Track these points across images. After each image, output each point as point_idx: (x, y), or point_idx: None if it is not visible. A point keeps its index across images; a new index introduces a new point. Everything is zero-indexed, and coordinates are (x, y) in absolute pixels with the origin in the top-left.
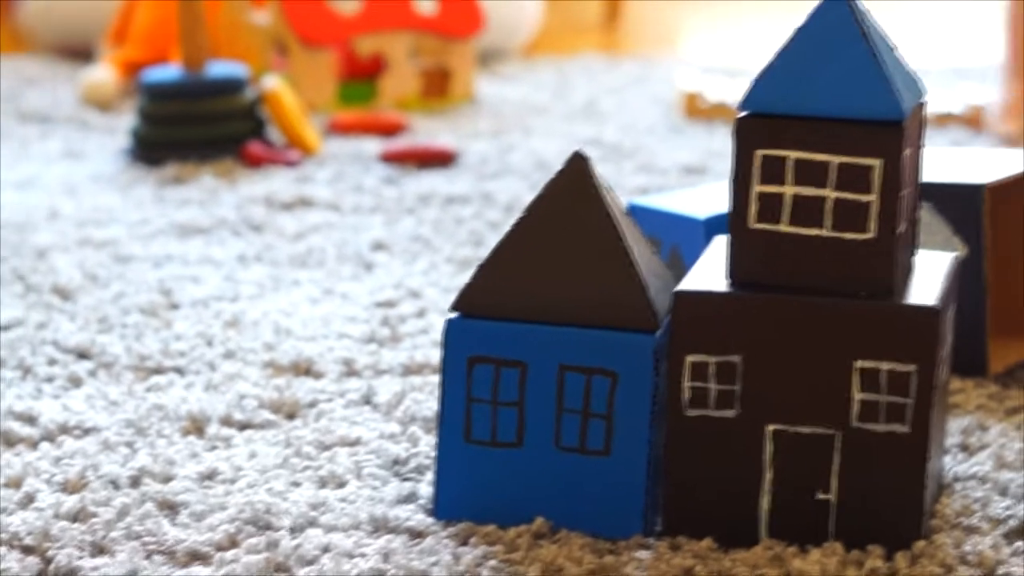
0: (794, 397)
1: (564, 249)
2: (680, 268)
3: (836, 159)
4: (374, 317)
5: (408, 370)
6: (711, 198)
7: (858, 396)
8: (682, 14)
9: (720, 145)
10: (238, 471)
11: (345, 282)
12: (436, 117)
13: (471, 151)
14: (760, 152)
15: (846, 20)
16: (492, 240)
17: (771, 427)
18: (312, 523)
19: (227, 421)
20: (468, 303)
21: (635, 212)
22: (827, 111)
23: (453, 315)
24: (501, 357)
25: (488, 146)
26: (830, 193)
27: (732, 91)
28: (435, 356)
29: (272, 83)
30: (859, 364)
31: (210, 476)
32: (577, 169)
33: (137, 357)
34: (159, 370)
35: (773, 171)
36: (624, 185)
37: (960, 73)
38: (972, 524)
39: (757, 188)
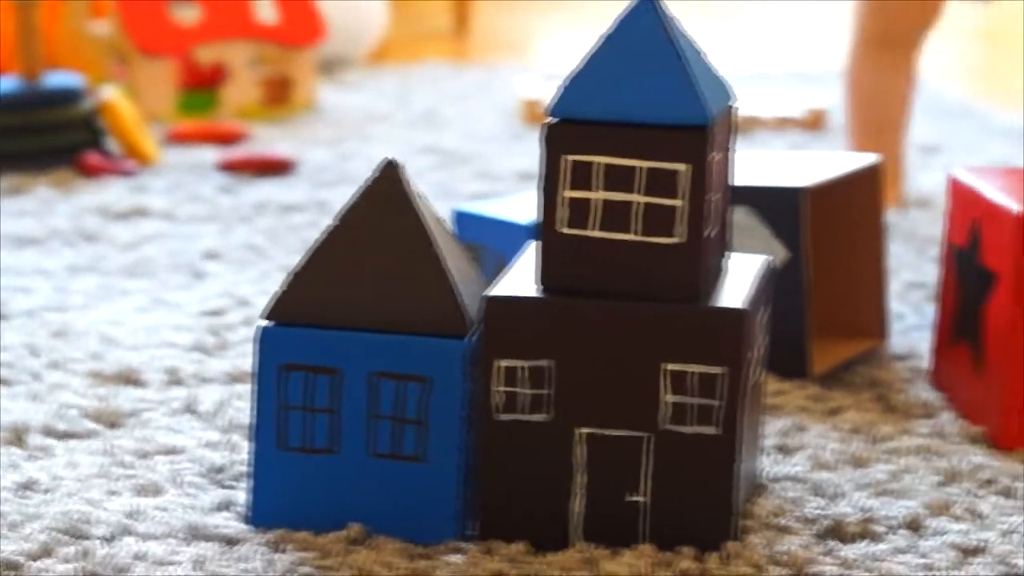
0: (605, 401)
1: (376, 256)
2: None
3: (643, 164)
4: (201, 326)
5: (232, 378)
6: None
7: (668, 399)
8: (531, 21)
9: None
10: (56, 480)
11: (175, 291)
12: (277, 126)
13: (309, 159)
14: (568, 157)
15: (653, 26)
16: None
17: (583, 430)
18: (127, 531)
19: (48, 431)
20: (281, 311)
21: (461, 218)
22: (634, 117)
23: (266, 323)
24: (314, 364)
25: (326, 154)
26: (638, 198)
27: None
28: None
29: (110, 93)
30: (668, 367)
31: (28, 486)
32: (389, 176)
33: None
34: None
35: (582, 176)
36: (459, 191)
37: (801, 77)
38: (784, 524)
39: (566, 193)
